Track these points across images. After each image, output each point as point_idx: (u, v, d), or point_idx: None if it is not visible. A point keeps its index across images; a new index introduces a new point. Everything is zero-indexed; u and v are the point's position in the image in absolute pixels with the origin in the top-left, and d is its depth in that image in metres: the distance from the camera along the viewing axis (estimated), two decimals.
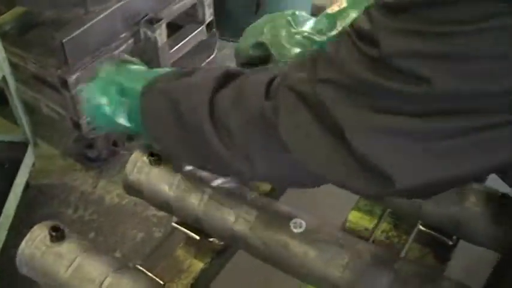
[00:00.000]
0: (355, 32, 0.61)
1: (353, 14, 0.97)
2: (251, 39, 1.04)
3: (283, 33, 1.01)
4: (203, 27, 2.23)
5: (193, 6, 2.17)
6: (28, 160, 1.92)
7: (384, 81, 0.57)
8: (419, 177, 0.60)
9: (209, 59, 2.26)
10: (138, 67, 0.95)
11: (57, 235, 0.83)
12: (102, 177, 2.06)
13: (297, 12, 1.04)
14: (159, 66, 2.08)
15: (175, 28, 2.20)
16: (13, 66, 1.84)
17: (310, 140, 0.65)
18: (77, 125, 1.93)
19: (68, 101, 1.88)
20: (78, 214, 1.97)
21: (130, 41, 1.98)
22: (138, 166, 0.99)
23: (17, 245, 0.86)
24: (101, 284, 0.80)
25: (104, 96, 0.88)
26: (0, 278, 1.66)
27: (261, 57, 1.03)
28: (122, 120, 0.88)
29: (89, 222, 1.94)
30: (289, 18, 1.02)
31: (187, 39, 2.18)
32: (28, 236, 0.86)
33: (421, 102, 0.56)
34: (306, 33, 1.00)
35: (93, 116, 0.90)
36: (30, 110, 1.98)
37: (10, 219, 1.76)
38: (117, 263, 0.83)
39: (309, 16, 1.04)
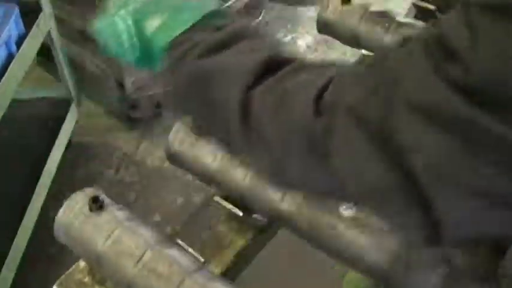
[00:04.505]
0: (440, 47, 0.49)
1: None
2: None
3: None
4: None
5: None
6: (71, 117, 1.90)
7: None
8: (469, 233, 0.55)
9: (257, 21, 2.19)
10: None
11: (97, 205, 0.80)
12: (144, 139, 2.04)
13: None
14: None
15: None
16: (59, 21, 1.81)
17: (368, 174, 0.56)
18: (120, 84, 1.91)
19: (112, 59, 1.85)
20: (119, 175, 1.96)
21: None
22: (181, 136, 0.95)
23: (56, 206, 0.83)
24: (140, 258, 0.76)
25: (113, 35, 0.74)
26: (38, 240, 1.66)
27: None
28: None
29: (130, 184, 1.93)
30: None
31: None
32: (66, 203, 0.83)
33: None
34: None
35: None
36: (75, 66, 1.95)
37: (51, 178, 1.76)
38: (157, 237, 0.79)
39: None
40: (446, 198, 0.52)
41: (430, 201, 0.52)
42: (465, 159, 0.49)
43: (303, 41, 2.26)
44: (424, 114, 0.50)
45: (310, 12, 2.35)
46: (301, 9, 2.38)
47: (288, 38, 2.28)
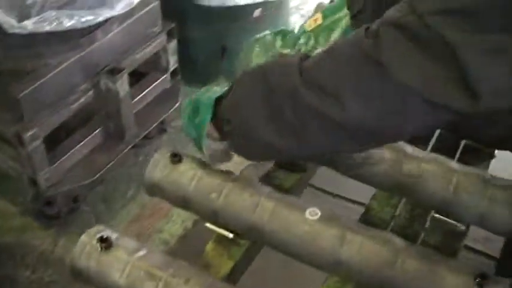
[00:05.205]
0: None
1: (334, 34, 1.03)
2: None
3: (270, 55, 1.08)
4: (167, 75, 2.16)
5: (157, 53, 2.11)
6: None
7: None
8: (502, 97, 0.70)
9: (174, 108, 2.19)
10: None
11: None
12: (62, 236, 1.96)
13: (279, 32, 1.09)
14: (120, 117, 2.00)
15: (137, 76, 2.13)
16: None
17: (418, 63, 0.72)
18: (33, 182, 1.84)
19: (23, 157, 1.79)
20: (36, 275, 1.87)
21: (91, 92, 1.90)
22: (87, 251, 0.92)
23: None
24: None
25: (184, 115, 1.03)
26: None
27: None
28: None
29: (48, 284, 1.84)
30: (276, 38, 1.07)
31: (150, 88, 2.11)
32: None
33: None
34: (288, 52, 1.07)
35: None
36: None
37: None
38: None
39: (290, 31, 1.09)
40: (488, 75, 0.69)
41: (476, 85, 0.69)
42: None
43: None
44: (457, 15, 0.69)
45: None
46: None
47: None
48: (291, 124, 0.85)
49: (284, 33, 1.09)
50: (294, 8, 2.53)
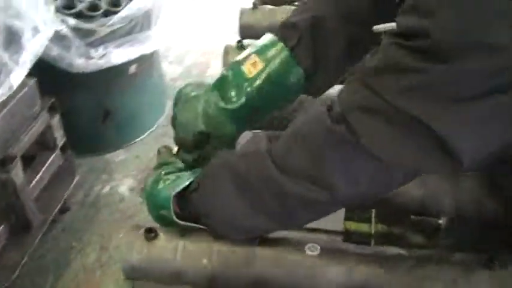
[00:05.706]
0: (401, 36, 0.72)
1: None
2: (190, 132, 1.02)
3: (215, 112, 1.00)
4: (57, 152, 2.04)
5: (42, 132, 1.98)
6: None
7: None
8: (483, 153, 0.73)
9: (74, 183, 2.06)
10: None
11: None
12: None
13: (216, 85, 1.02)
14: (22, 206, 1.85)
15: (27, 160, 1.98)
16: None
17: (397, 141, 0.74)
18: None
19: None
20: None
21: None
22: None
23: None
24: None
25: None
26: None
27: (202, 140, 1.02)
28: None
29: None
30: (216, 93, 1.00)
31: (44, 169, 1.98)
32: None
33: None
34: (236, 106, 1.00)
35: None
36: None
37: None
38: None
39: (227, 81, 1.02)
40: (458, 135, 0.71)
41: (448, 144, 0.71)
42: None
43: (125, 186, 2.18)
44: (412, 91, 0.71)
45: (121, 156, 2.29)
46: (110, 156, 2.32)
47: (107, 189, 2.18)
48: (277, 212, 0.87)
49: (222, 85, 1.02)
50: (160, 56, 2.51)
